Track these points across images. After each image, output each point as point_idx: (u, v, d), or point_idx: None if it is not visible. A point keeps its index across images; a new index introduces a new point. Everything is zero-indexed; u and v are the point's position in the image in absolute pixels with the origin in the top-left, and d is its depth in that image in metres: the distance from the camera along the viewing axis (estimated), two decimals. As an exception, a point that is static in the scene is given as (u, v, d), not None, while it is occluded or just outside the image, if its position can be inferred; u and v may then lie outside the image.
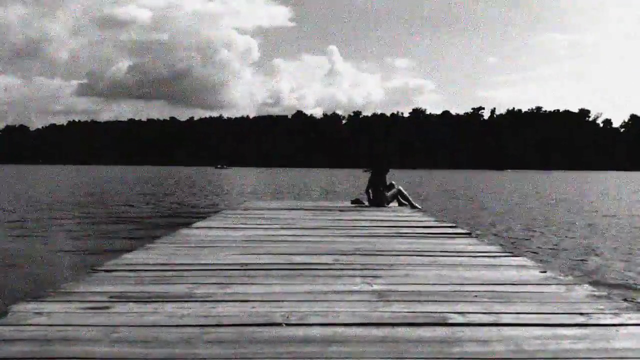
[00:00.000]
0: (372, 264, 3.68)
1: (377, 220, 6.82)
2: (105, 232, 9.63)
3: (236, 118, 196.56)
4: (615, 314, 2.42)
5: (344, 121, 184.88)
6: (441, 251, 4.28)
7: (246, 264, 3.60)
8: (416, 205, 9.56)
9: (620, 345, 2.03)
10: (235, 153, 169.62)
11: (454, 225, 6.39)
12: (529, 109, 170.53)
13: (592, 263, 6.77)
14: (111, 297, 2.67)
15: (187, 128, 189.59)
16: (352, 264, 3.68)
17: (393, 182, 9.68)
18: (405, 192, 9.72)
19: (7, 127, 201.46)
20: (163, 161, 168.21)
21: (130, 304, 2.55)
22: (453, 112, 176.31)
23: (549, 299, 2.71)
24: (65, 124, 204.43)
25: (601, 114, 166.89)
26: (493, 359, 1.90)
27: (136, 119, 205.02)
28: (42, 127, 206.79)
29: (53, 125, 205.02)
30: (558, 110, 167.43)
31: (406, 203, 9.56)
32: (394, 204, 9.55)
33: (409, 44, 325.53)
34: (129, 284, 2.99)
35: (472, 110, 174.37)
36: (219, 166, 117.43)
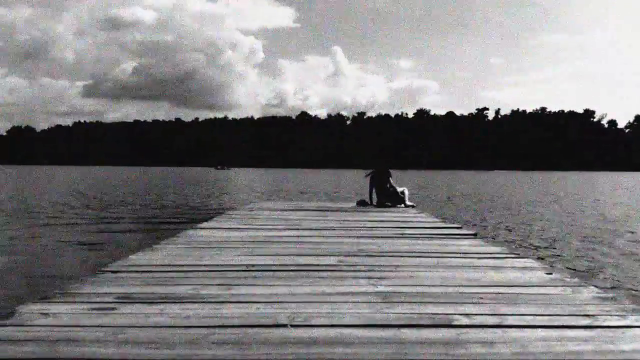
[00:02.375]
0: (376, 265, 3.68)
1: (382, 221, 6.81)
2: (111, 233, 9.66)
3: (241, 119, 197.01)
4: (621, 315, 2.41)
5: (348, 122, 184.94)
6: (446, 252, 4.27)
7: (251, 265, 3.61)
8: (410, 204, 9.56)
9: (627, 347, 2.02)
10: (240, 154, 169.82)
11: (459, 226, 6.38)
12: (533, 110, 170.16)
13: (597, 264, 6.74)
14: (117, 298, 2.68)
15: (192, 129, 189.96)
16: (357, 265, 3.68)
17: (394, 183, 9.70)
18: (407, 193, 9.76)
19: (13, 128, 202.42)
20: (168, 162, 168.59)
21: (136, 305, 2.56)
22: (457, 112, 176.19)
23: (554, 300, 2.70)
24: (70, 124, 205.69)
25: (606, 114, 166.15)
26: (498, 361, 1.90)
27: (141, 120, 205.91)
28: (48, 128, 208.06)
29: (59, 126, 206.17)
30: (563, 111, 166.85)
31: (410, 204, 9.58)
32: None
33: (413, 44, 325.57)
34: (134, 285, 2.99)
35: (476, 111, 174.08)
36: (218, 167, 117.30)
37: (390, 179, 9.53)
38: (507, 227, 11.06)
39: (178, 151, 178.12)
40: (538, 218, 13.06)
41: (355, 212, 8.31)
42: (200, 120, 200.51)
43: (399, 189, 9.64)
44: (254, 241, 4.85)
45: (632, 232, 10.20)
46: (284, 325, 2.25)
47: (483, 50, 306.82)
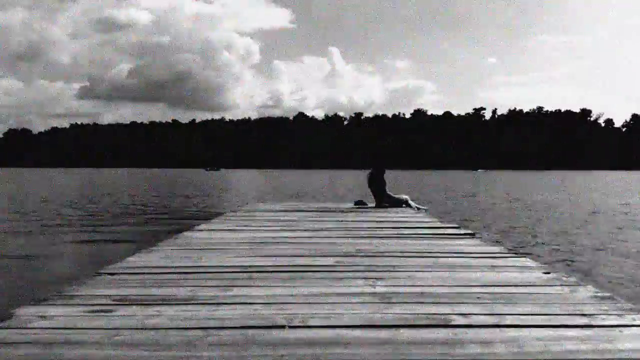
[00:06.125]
0: (374, 265, 3.68)
1: (380, 222, 6.81)
2: (108, 236, 9.63)
3: (237, 120, 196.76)
4: (619, 315, 2.41)
5: (345, 122, 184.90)
6: (444, 252, 4.27)
7: (248, 267, 3.60)
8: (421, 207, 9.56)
9: (624, 346, 2.02)
10: (237, 155, 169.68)
11: (456, 226, 6.38)
12: (530, 109, 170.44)
13: (594, 264, 6.75)
14: (114, 300, 2.67)
15: (189, 130, 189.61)
16: (355, 265, 3.68)
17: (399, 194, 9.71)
18: (412, 202, 9.72)
19: (9, 131, 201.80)
20: (164, 164, 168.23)
21: (133, 307, 2.56)
22: (454, 112, 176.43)
23: (552, 300, 2.70)
24: (67, 127, 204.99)
25: (603, 113, 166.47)
26: (496, 361, 1.90)
27: (137, 121, 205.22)
28: (44, 130, 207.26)
29: (55, 129, 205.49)
30: (560, 110, 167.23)
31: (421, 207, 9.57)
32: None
33: (410, 45, 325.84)
34: (131, 287, 2.98)
35: (473, 111, 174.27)
36: (208, 169, 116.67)
37: (385, 186, 9.48)
38: (504, 226, 11.07)
39: (175, 153, 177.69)
40: (535, 217, 13.08)
41: (352, 213, 8.30)
42: (196, 121, 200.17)
43: (402, 197, 9.58)
44: (251, 242, 4.84)
45: (629, 231, 10.22)
46: (282, 327, 2.24)
47: (480, 50, 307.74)
